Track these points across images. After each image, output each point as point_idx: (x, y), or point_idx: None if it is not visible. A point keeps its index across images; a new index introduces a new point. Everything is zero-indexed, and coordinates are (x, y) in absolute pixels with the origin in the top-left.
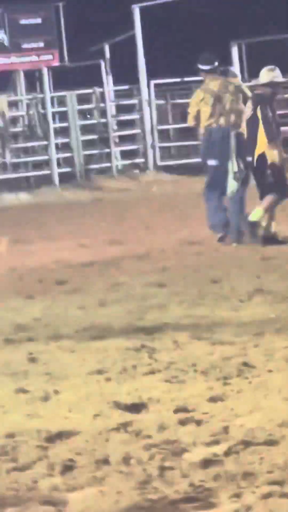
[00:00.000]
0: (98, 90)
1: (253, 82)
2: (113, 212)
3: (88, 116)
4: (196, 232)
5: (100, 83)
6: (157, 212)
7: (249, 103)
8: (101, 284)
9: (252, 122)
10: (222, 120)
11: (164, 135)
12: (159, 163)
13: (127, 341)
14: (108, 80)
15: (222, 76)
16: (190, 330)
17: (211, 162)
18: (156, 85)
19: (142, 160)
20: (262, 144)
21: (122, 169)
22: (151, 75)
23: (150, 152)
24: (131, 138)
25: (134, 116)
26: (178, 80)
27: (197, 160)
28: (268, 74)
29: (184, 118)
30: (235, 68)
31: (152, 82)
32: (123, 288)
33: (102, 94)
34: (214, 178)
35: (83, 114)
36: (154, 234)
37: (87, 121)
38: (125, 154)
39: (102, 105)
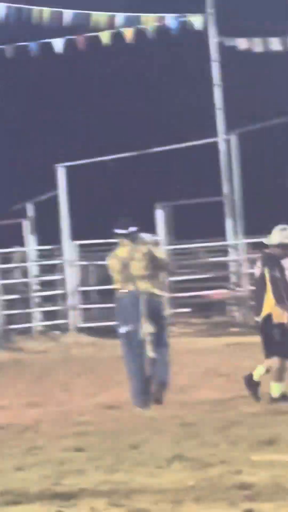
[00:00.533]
0: (20, 249)
1: (264, 240)
2: (32, 374)
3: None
4: (115, 396)
5: (22, 242)
6: (76, 375)
7: (258, 263)
8: (18, 447)
9: (260, 282)
10: (130, 286)
11: (86, 296)
12: (80, 324)
13: (43, 507)
14: (30, 240)
15: (132, 241)
16: (107, 496)
17: (122, 329)
18: (79, 246)
19: (63, 321)
20: (269, 304)
21: (43, 330)
22: (75, 235)
23: (71, 313)
24: (52, 299)
25: (57, 276)
26: (102, 241)
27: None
28: (280, 234)
29: (106, 280)
30: (159, 230)
31: (75, 243)
32: (41, 452)
33: (25, 254)
34: (129, 346)
35: (5, 273)
36: (72, 397)
37: (8, 280)
38: (46, 315)
39: (24, 264)
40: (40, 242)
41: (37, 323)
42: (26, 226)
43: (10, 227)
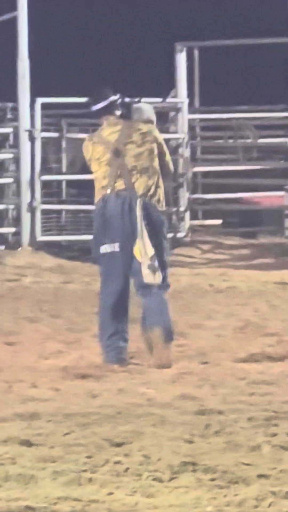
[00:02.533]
0: None
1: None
2: None
3: None
4: (90, 357)
5: None
6: (28, 320)
7: None
8: None
9: None
10: (121, 185)
11: (51, 190)
12: (40, 237)
13: None
14: None
15: (124, 118)
16: None
17: (105, 249)
18: (44, 106)
19: (12, 229)
20: None
21: None
22: (37, 90)
23: (26, 217)
24: None
25: (4, 155)
26: (79, 100)
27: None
28: None
29: (84, 168)
30: (180, 90)
31: (39, 101)
32: None
33: None
34: (111, 275)
35: None
36: (20, 356)
37: None
38: None
39: None
40: None
41: None
42: None
43: None
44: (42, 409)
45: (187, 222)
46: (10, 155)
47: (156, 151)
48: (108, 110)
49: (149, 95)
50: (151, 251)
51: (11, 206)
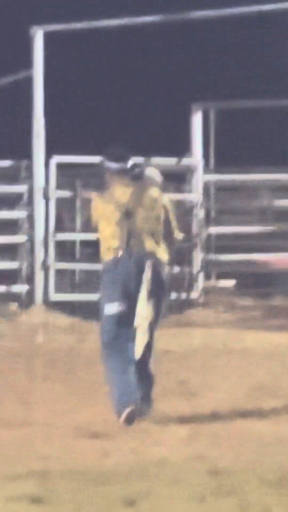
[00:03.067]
0: None
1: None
2: None
3: None
4: (102, 416)
5: None
6: (41, 378)
7: None
8: None
9: None
10: (133, 246)
11: (65, 249)
12: (53, 296)
13: None
14: None
15: (135, 180)
16: None
17: (110, 309)
18: (59, 166)
19: (25, 287)
20: None
21: None
22: (52, 148)
23: (40, 276)
24: (9, 251)
25: (18, 213)
26: (93, 159)
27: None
28: None
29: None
30: (194, 149)
31: (54, 159)
32: None
33: None
34: (113, 332)
35: None
36: (34, 414)
37: None
38: None
39: None
40: None
41: None
42: None
43: None
44: (55, 466)
45: (201, 283)
46: (24, 214)
47: (162, 217)
48: (122, 171)
49: (164, 155)
50: (149, 314)
51: (25, 264)
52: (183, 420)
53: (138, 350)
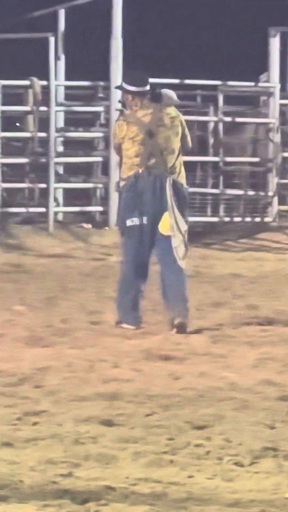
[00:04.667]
0: (38, 82)
1: None
2: (39, 293)
3: (17, 124)
4: (171, 338)
5: (44, 73)
6: (112, 299)
7: None
8: (9, 410)
9: None
10: (153, 163)
11: None
12: None
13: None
14: (56, 68)
15: (154, 102)
16: (146, 503)
17: (133, 221)
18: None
19: (99, 208)
20: None
21: (64, 220)
22: (129, 69)
23: (114, 197)
24: (84, 170)
25: (95, 133)
26: (170, 81)
27: None
28: None
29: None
30: (272, 72)
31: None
32: (42, 422)
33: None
34: (137, 246)
35: (8, 120)
36: (101, 336)
37: (12, 132)
38: (72, 195)
39: (42, 109)
40: (72, 75)
41: (57, 209)
42: (52, 43)
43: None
44: (124, 389)
45: (275, 207)
46: (100, 134)
47: (180, 134)
48: (142, 94)
49: (241, 79)
50: (184, 226)
51: (100, 185)
52: (253, 345)
53: (181, 258)
